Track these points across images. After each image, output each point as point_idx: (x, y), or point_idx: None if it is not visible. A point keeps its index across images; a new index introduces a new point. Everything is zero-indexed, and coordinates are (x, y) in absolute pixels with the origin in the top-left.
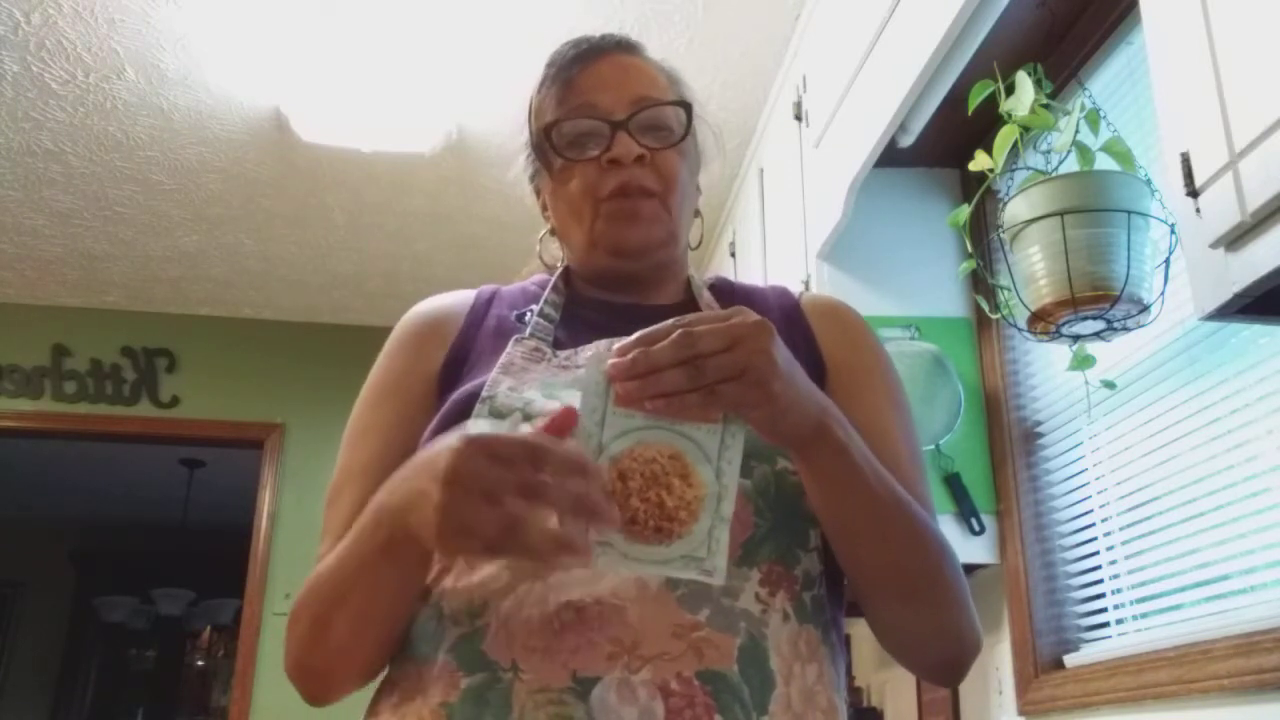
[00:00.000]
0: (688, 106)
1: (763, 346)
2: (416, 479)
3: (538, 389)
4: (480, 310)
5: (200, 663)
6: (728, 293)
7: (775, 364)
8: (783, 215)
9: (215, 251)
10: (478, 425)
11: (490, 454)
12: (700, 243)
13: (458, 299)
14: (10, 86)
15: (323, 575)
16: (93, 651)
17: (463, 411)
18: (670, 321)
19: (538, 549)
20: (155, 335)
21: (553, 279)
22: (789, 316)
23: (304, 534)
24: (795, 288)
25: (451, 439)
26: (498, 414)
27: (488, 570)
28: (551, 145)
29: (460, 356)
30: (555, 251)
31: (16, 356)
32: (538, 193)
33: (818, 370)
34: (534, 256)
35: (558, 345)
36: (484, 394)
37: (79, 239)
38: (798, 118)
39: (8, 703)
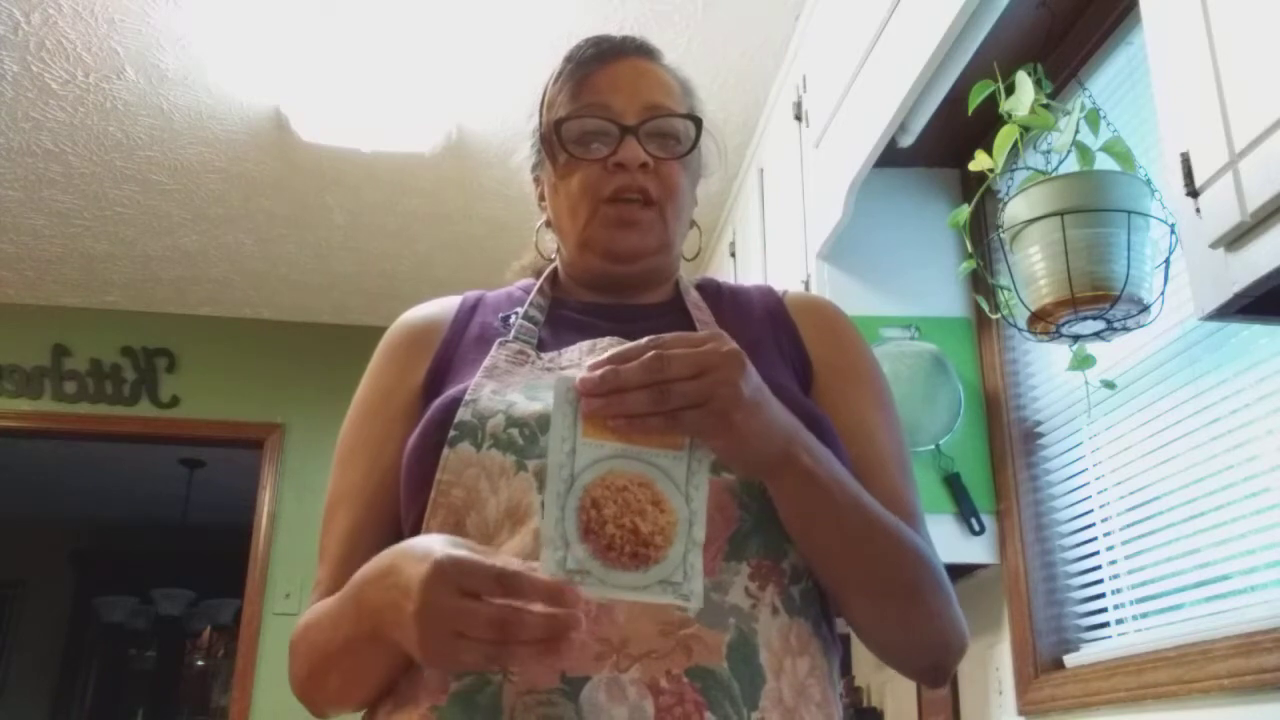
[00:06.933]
0: (698, 121)
1: (730, 378)
2: (393, 593)
3: (520, 391)
4: (464, 317)
5: (200, 663)
6: (714, 292)
7: (740, 395)
8: (783, 215)
9: (215, 251)
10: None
11: (458, 589)
12: (697, 254)
13: (441, 307)
14: (10, 86)
15: (318, 630)
16: (93, 651)
17: (443, 419)
18: (645, 340)
19: (528, 655)
20: (155, 335)
21: (538, 282)
22: (774, 316)
23: (304, 534)
24: (784, 286)
25: (421, 557)
26: (479, 417)
27: None
28: (559, 139)
29: (444, 364)
30: (550, 243)
31: (16, 356)
32: (537, 182)
33: (804, 369)
34: (527, 250)
35: (542, 347)
36: (466, 398)
37: (79, 239)
38: (798, 118)
39: (8, 703)
